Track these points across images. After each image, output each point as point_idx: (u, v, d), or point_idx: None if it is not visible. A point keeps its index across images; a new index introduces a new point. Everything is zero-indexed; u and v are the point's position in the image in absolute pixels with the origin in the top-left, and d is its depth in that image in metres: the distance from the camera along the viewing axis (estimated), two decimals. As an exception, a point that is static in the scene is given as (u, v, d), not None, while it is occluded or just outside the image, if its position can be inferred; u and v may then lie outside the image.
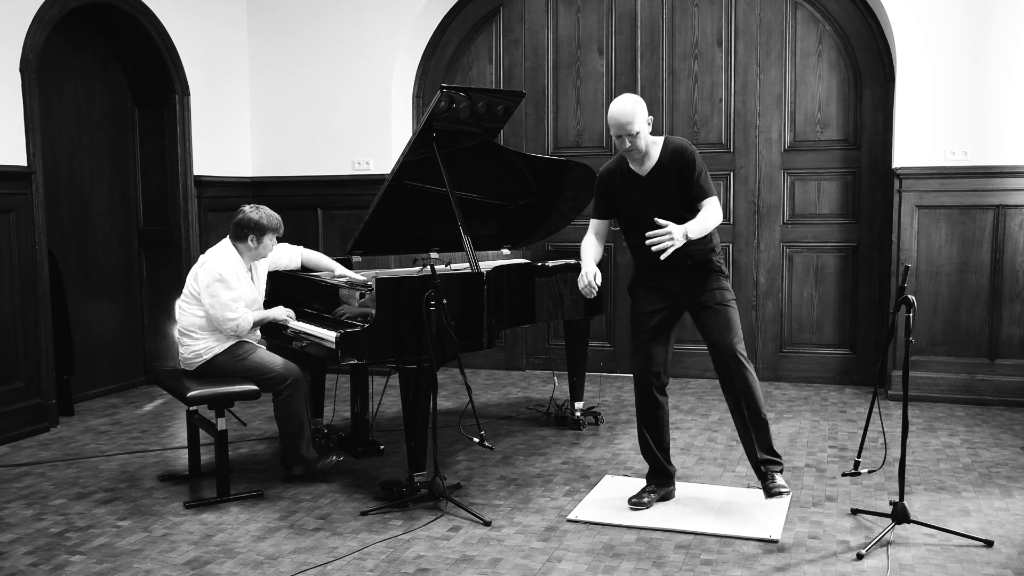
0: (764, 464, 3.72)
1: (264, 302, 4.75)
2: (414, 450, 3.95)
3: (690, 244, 3.62)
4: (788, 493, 3.66)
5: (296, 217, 6.94)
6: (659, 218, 3.60)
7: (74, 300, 5.85)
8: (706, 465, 4.47)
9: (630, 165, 3.76)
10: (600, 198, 3.92)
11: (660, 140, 3.75)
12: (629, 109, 3.60)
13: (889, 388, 5.80)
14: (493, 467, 4.50)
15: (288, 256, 4.61)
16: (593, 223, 3.95)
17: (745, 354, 3.72)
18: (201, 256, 4.33)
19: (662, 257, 3.51)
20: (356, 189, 6.64)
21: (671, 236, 3.51)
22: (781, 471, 3.73)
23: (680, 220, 3.65)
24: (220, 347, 4.17)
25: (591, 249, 3.89)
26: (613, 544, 3.51)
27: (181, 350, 4.27)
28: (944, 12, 5.64)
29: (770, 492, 3.65)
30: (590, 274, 3.75)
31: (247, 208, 4.25)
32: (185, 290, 4.27)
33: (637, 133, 3.60)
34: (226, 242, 4.28)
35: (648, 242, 3.54)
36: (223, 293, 4.10)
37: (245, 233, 4.21)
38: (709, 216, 3.64)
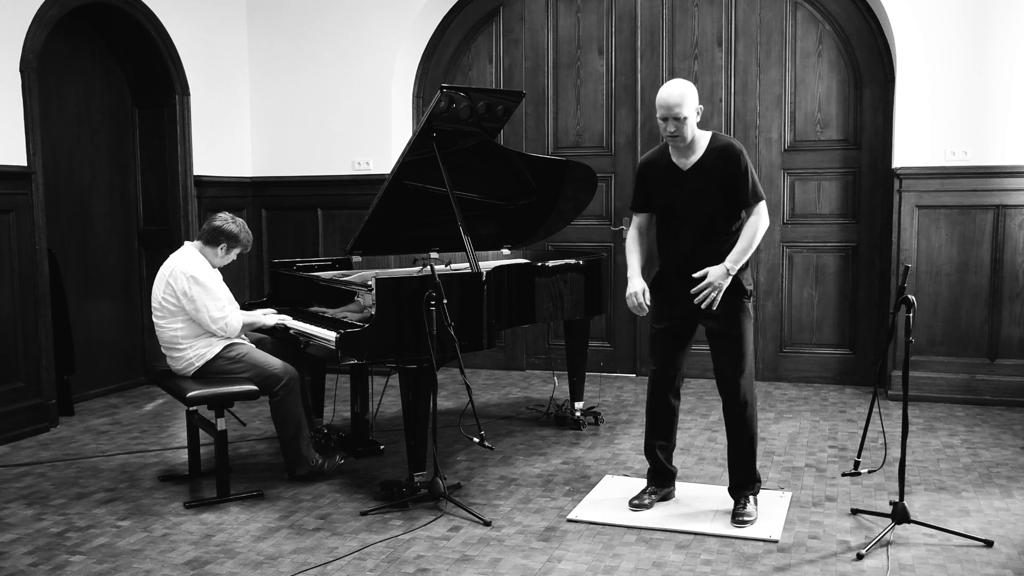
0: (740, 487, 3.74)
1: (263, 302, 4.76)
2: (414, 450, 3.95)
3: (721, 248, 3.56)
4: (751, 523, 3.65)
5: (296, 217, 6.96)
6: (697, 218, 3.57)
7: (74, 300, 5.85)
8: (706, 465, 4.47)
9: (672, 158, 3.64)
10: (638, 187, 3.79)
11: (708, 135, 3.62)
12: (679, 91, 3.48)
13: (889, 388, 5.80)
14: (493, 467, 4.50)
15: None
16: (634, 218, 3.83)
17: (748, 387, 3.67)
18: (163, 266, 4.20)
19: (704, 305, 3.48)
20: (356, 189, 6.64)
21: (714, 286, 3.47)
22: (756, 494, 3.76)
23: (718, 222, 3.59)
24: (211, 352, 4.14)
25: (636, 252, 3.76)
26: (613, 544, 3.51)
27: (171, 363, 4.22)
28: (944, 12, 5.64)
29: (735, 518, 3.67)
30: (639, 293, 3.65)
31: (226, 216, 4.24)
32: (155, 305, 4.17)
33: (684, 118, 3.47)
34: (190, 246, 4.24)
35: (696, 300, 3.49)
36: (201, 294, 4.08)
37: (219, 240, 4.19)
38: (755, 232, 3.53)
